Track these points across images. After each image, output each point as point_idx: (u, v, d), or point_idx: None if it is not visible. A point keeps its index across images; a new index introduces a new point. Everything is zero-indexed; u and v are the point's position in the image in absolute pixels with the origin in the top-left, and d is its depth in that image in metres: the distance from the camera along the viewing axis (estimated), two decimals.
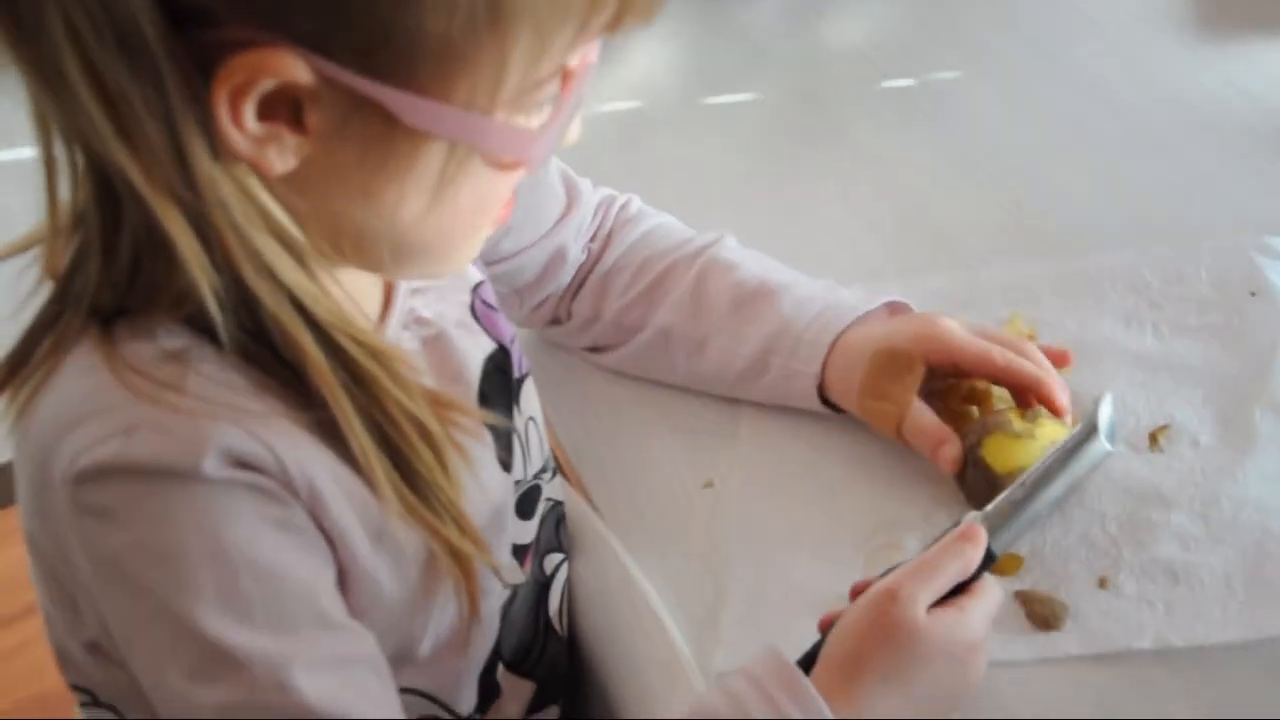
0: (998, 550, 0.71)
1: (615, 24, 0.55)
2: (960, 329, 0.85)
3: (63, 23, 0.47)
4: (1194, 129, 1.19)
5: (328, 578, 0.60)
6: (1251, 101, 1.21)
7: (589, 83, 0.58)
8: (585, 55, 0.57)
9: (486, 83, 0.53)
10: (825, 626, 0.70)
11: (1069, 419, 0.82)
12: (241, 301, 0.54)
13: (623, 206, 0.97)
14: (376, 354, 0.57)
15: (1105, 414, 0.76)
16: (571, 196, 0.93)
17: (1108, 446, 0.75)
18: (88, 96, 0.48)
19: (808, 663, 0.68)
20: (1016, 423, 0.80)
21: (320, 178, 0.55)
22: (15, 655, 1.03)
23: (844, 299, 0.90)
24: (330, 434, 0.57)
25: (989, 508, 0.73)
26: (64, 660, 0.69)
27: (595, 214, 0.95)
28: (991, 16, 1.46)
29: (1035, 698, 0.72)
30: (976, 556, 0.69)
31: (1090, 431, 0.75)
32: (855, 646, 0.67)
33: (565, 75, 0.57)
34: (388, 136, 0.54)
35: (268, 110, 0.51)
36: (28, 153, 0.54)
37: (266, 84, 0.50)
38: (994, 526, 0.71)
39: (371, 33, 0.50)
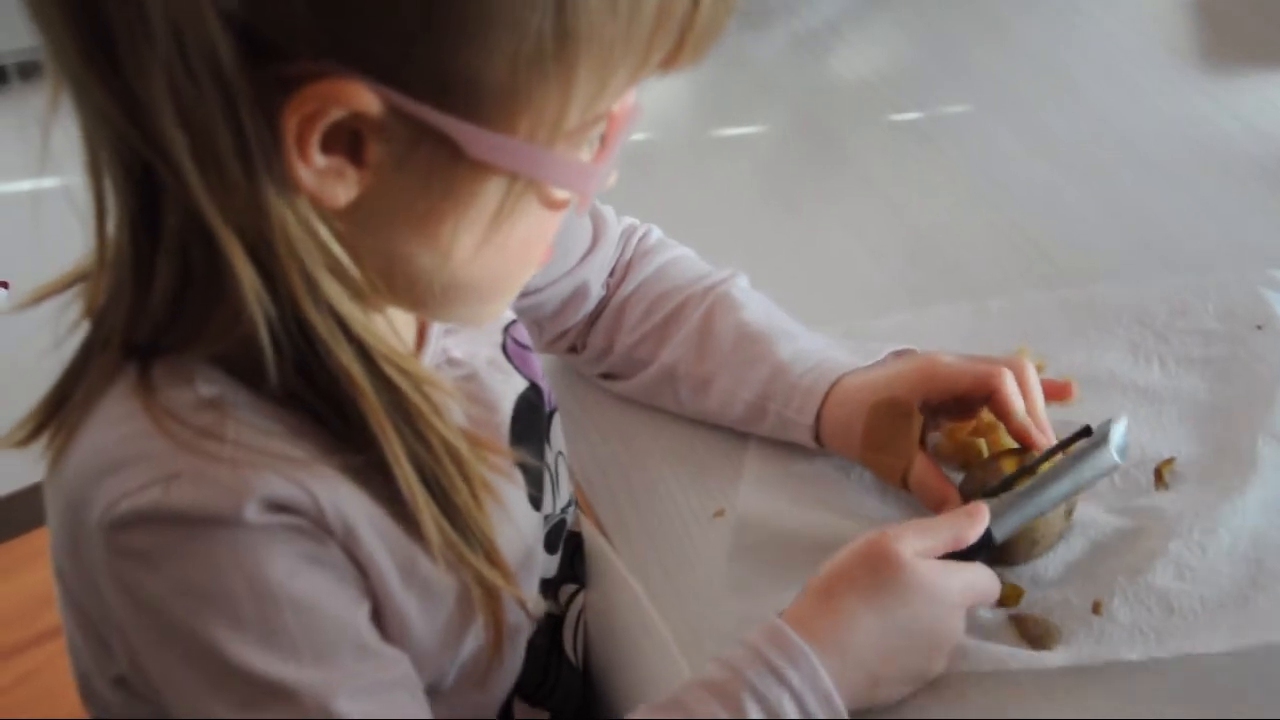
0: (998, 535, 0.74)
1: (671, 61, 0.56)
2: (954, 359, 0.85)
3: (158, 53, 0.47)
4: (1201, 163, 1.20)
5: (364, 608, 0.61)
6: (1258, 136, 1.22)
7: (633, 125, 0.59)
8: (628, 99, 0.58)
9: (550, 115, 0.54)
10: None
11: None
12: (294, 334, 0.54)
13: (642, 238, 0.98)
14: (420, 384, 0.58)
15: (1119, 431, 0.78)
16: (598, 230, 0.94)
17: (1115, 459, 0.77)
18: (171, 125, 0.49)
19: None
20: (1008, 469, 0.80)
21: (378, 212, 0.55)
22: (19, 685, 1.03)
23: (842, 355, 0.90)
24: (366, 475, 0.58)
25: (994, 499, 0.76)
26: (88, 695, 0.69)
27: (617, 246, 0.96)
28: (999, 51, 1.47)
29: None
30: (973, 528, 0.73)
31: (1101, 442, 0.77)
32: (839, 567, 0.71)
33: (610, 119, 0.58)
34: (450, 169, 0.54)
35: (328, 144, 0.52)
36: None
37: (335, 114, 0.50)
38: (996, 512, 0.74)
39: (442, 63, 0.50)
